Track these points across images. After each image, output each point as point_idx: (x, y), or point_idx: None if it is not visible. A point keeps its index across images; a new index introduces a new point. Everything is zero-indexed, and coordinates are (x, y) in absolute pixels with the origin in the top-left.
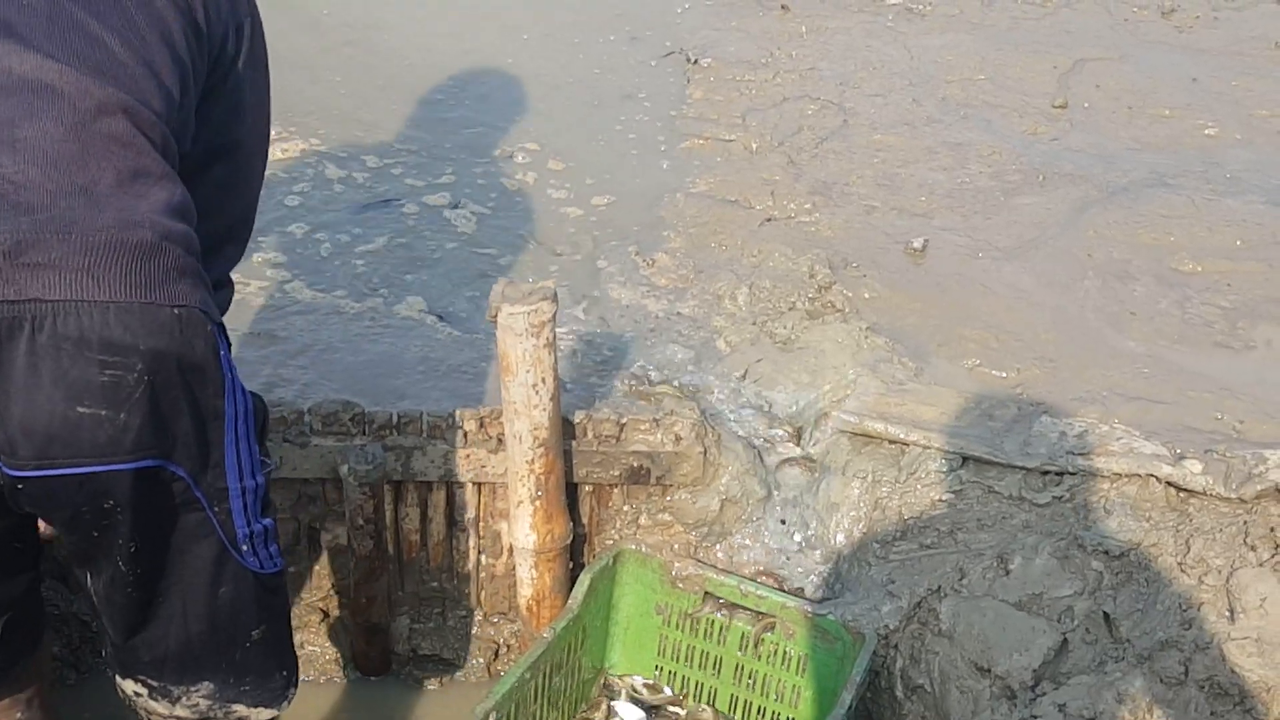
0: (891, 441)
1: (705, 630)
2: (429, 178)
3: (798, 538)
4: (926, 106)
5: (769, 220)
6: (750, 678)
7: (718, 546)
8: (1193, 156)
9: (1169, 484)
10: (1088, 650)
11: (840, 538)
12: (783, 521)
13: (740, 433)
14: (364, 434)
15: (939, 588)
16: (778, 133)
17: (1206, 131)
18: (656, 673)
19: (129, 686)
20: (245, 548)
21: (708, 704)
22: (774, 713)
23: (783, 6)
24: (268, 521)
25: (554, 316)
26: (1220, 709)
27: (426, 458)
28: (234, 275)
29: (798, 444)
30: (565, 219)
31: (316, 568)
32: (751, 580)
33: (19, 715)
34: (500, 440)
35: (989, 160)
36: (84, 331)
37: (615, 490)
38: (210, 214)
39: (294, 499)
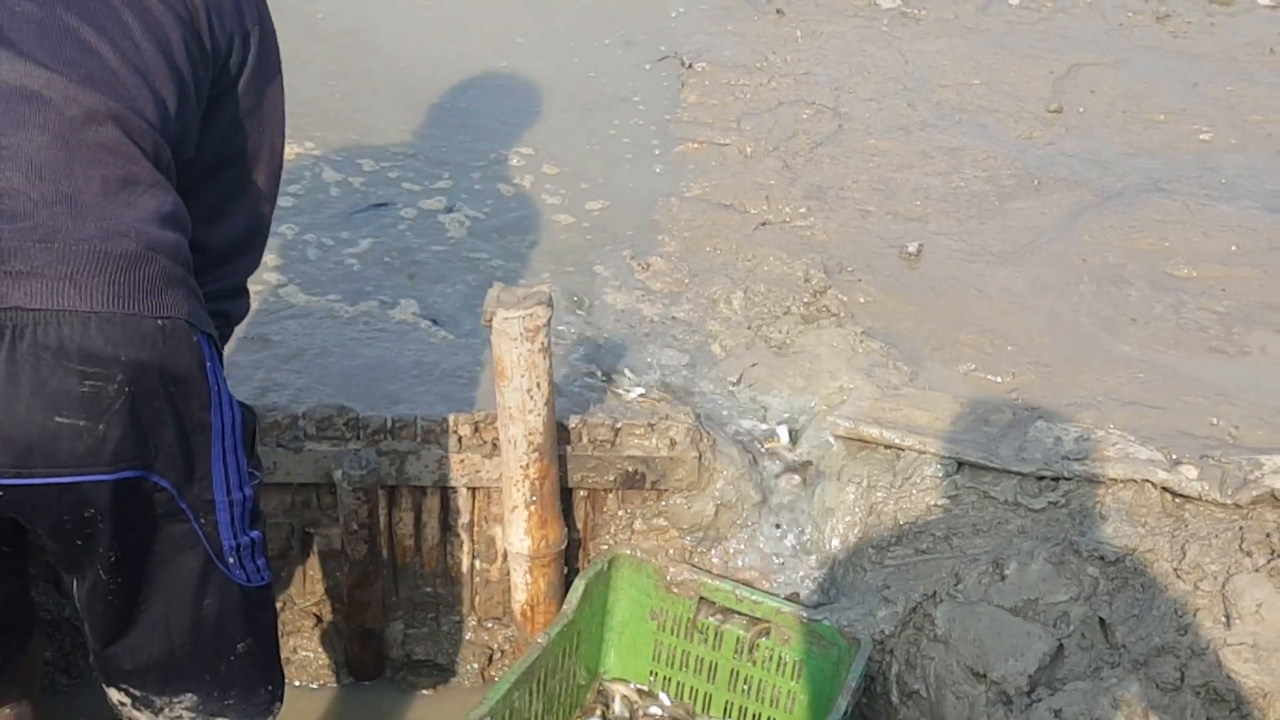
0: (887, 446)
1: (700, 635)
2: (424, 182)
3: (793, 543)
4: (921, 111)
5: (764, 224)
6: (745, 683)
7: (713, 551)
8: (1187, 161)
9: (1164, 489)
10: (1083, 656)
11: (835, 543)
12: (778, 526)
13: (735, 437)
14: (358, 439)
15: (934, 593)
16: (772, 137)
17: (1201, 136)
18: (651, 678)
19: (113, 695)
20: (231, 560)
21: (702, 710)
22: (769, 718)
23: (778, 11)
24: (255, 534)
25: (549, 321)
26: (1216, 715)
27: (421, 462)
28: None
29: (793, 449)
30: (560, 223)
31: (310, 572)
32: (747, 585)
33: (8, 716)
34: (495, 445)
35: (984, 165)
36: (64, 341)
37: (610, 495)
38: (219, 220)
39: (288, 504)
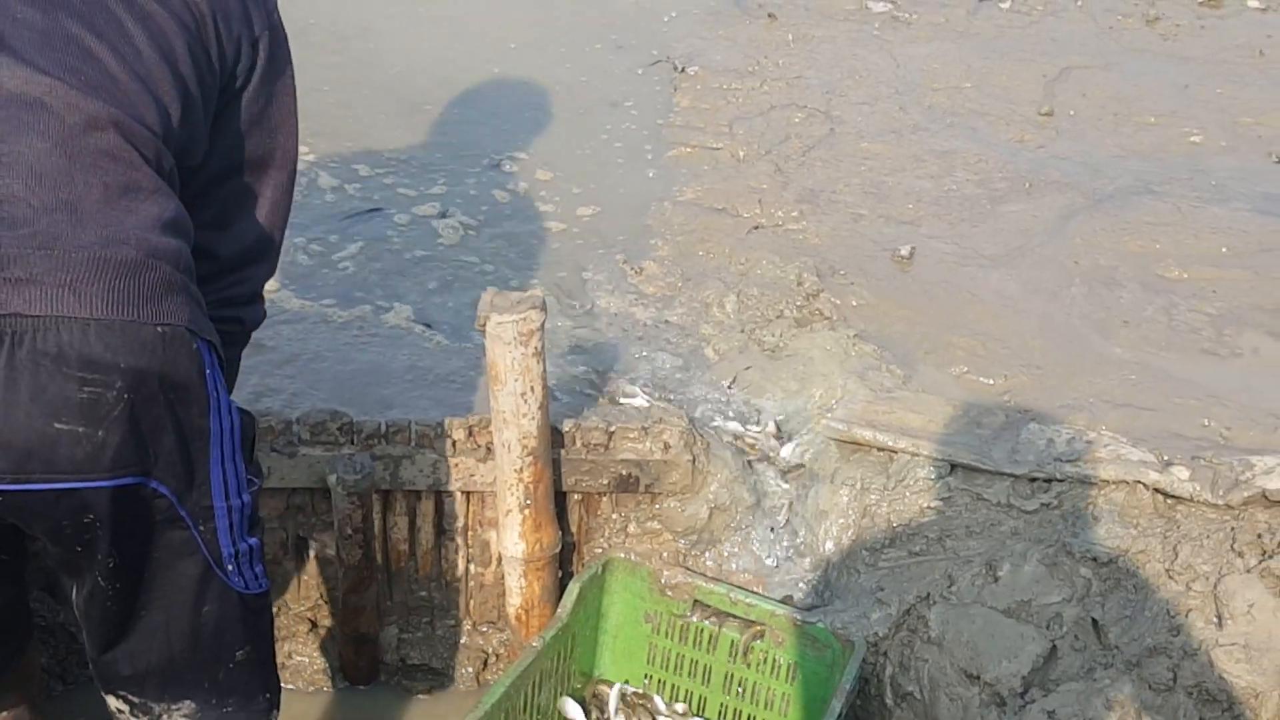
0: (880, 449)
1: (694, 638)
2: (419, 187)
3: (787, 545)
4: (913, 115)
5: (756, 228)
6: (740, 686)
7: (707, 554)
8: (1178, 164)
9: (1156, 490)
10: (1076, 657)
11: (829, 545)
12: (771, 529)
13: (729, 440)
14: (352, 443)
15: (928, 595)
16: (765, 141)
17: (1192, 139)
18: (646, 681)
19: (112, 702)
20: (230, 567)
21: (697, 712)
22: None
23: (769, 15)
24: (254, 541)
25: (542, 325)
26: (1208, 715)
27: (415, 467)
28: None
29: (786, 452)
30: (553, 228)
31: (304, 577)
32: (741, 588)
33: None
34: (489, 449)
35: (975, 168)
36: (63, 348)
37: (604, 499)
38: (230, 227)
39: (282, 509)
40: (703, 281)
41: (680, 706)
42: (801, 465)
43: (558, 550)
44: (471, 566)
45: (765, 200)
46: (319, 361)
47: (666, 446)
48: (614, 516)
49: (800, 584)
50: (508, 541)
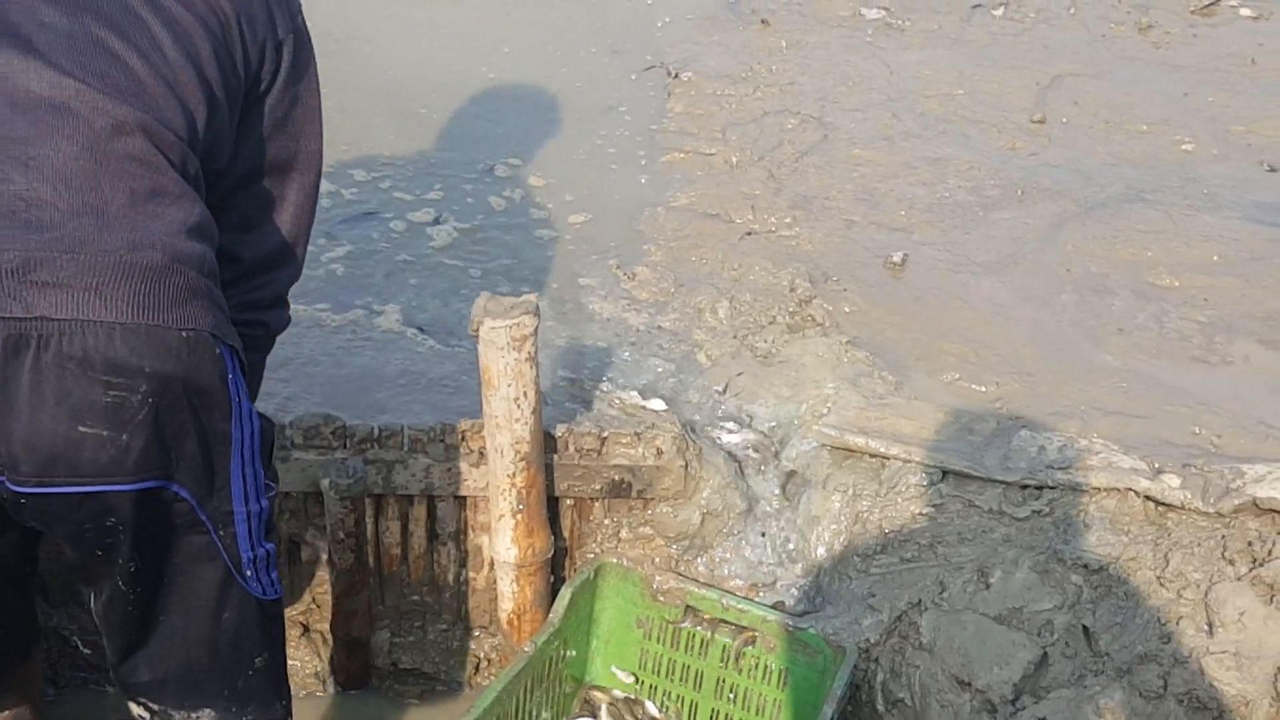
0: (872, 455)
1: (686, 644)
2: (412, 191)
3: (779, 551)
4: (905, 121)
5: (749, 234)
6: (731, 691)
7: (699, 560)
8: (1170, 172)
9: (1147, 498)
10: (1067, 664)
11: (821, 551)
12: (763, 535)
13: (721, 446)
14: (345, 447)
15: (919, 601)
16: (758, 147)
17: (1183, 147)
18: (637, 686)
19: (134, 709)
20: (249, 572)
21: (689, 717)
22: None
23: (763, 21)
24: (270, 546)
25: (536, 331)
26: None
27: (408, 471)
28: None
29: (778, 458)
30: (546, 233)
31: (296, 581)
32: (733, 594)
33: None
34: (481, 454)
35: (968, 175)
36: (88, 352)
37: (596, 504)
38: (254, 230)
39: (274, 512)
40: (696, 287)
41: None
42: (794, 471)
43: (550, 555)
44: (464, 571)
45: (758, 206)
46: (312, 365)
47: (659, 452)
48: (606, 522)
49: (792, 590)
50: (500, 546)
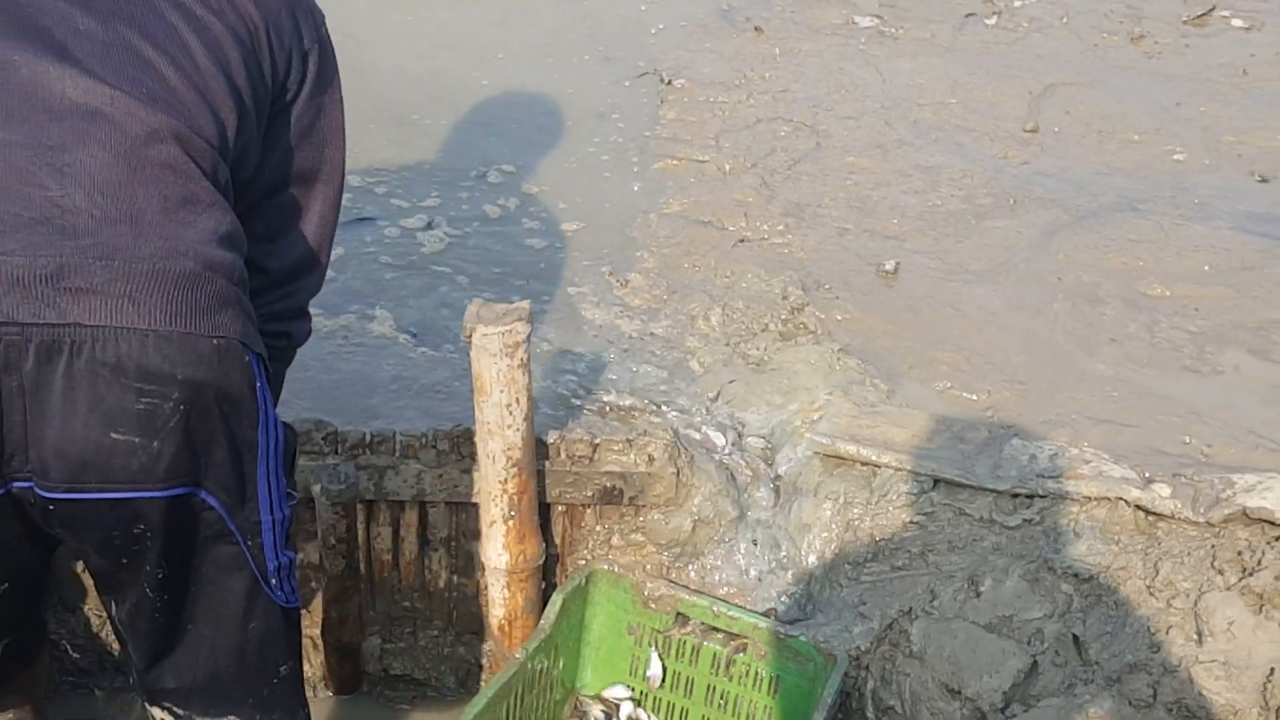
0: (863, 463)
1: (677, 651)
2: (405, 197)
3: (769, 559)
4: (898, 129)
5: (742, 241)
6: (722, 699)
7: (690, 567)
8: (1161, 181)
9: (1138, 507)
10: (1057, 672)
11: (812, 559)
12: (755, 542)
13: (713, 453)
14: (336, 453)
15: (910, 609)
16: (751, 154)
17: (1175, 157)
18: (629, 692)
19: (156, 714)
20: (274, 581)
21: None
22: None
23: (756, 29)
24: (292, 554)
25: (528, 337)
26: None
27: (399, 477)
28: None
29: (770, 465)
30: (539, 239)
31: None
32: (724, 601)
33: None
34: (473, 460)
35: (960, 183)
36: (121, 358)
37: (588, 510)
38: (279, 240)
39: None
40: (688, 294)
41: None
42: (785, 479)
43: (541, 562)
44: (455, 577)
45: (751, 213)
46: (304, 370)
47: (651, 459)
48: (598, 528)
49: (783, 597)
50: (491, 552)
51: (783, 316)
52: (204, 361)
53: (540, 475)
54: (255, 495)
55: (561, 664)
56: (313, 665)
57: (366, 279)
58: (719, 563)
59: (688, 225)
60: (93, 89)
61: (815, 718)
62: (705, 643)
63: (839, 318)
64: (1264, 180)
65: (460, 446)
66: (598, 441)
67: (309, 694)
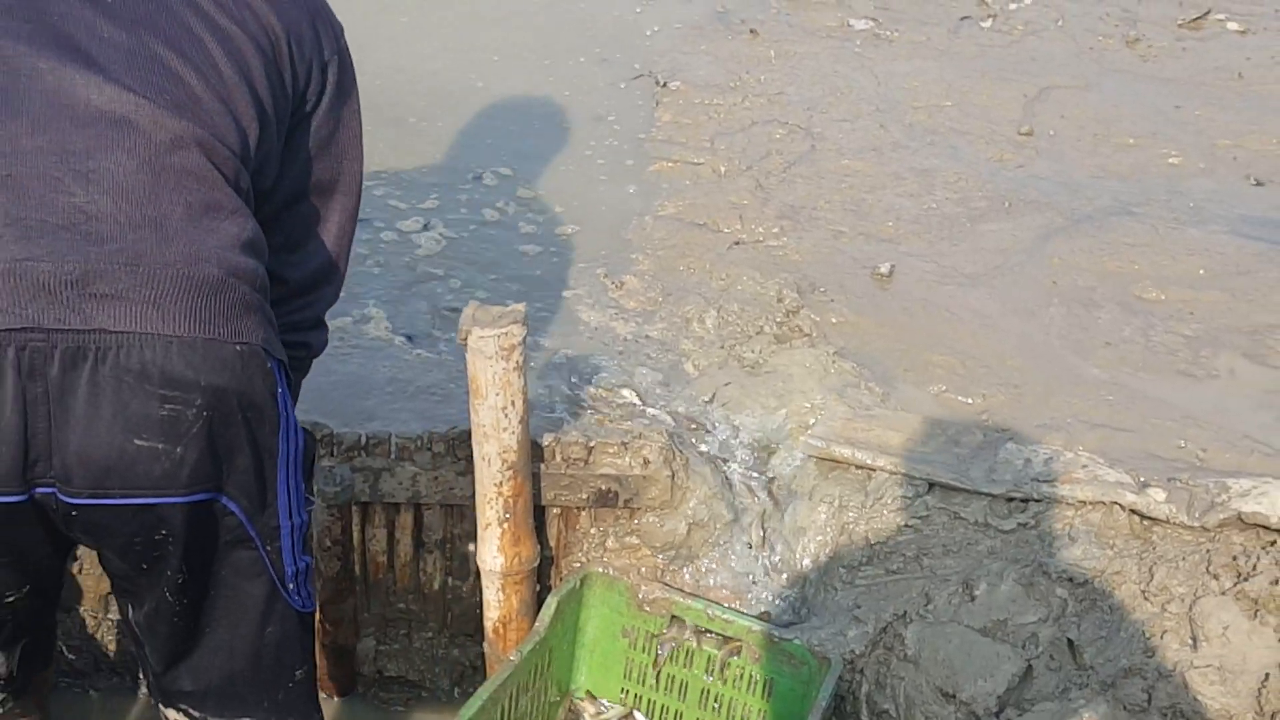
0: (858, 467)
1: (671, 654)
2: (401, 200)
3: (764, 562)
4: (893, 132)
5: (737, 244)
6: (716, 702)
7: (685, 570)
8: (1156, 185)
9: (1133, 512)
10: (1052, 677)
11: (807, 562)
12: (749, 545)
13: (708, 456)
14: (332, 455)
15: (905, 613)
16: (746, 156)
17: (1170, 160)
18: (622, 696)
19: (171, 715)
20: (291, 586)
21: None
22: None
23: (751, 31)
24: (309, 559)
25: (524, 340)
26: None
27: (394, 479)
28: None
29: (765, 468)
30: (534, 241)
31: None
32: (718, 604)
33: None
34: (468, 462)
35: (955, 186)
36: (146, 365)
37: (583, 513)
38: (298, 250)
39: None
40: (683, 297)
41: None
42: (780, 482)
43: (536, 564)
44: (449, 579)
45: (746, 216)
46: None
47: (646, 462)
48: (593, 531)
49: (777, 600)
50: (486, 555)
51: (778, 319)
52: (227, 368)
53: (535, 478)
54: (275, 501)
55: (556, 667)
56: None
57: (362, 281)
58: (714, 566)
59: (683, 228)
60: (118, 96)
61: None
62: (699, 646)
63: (834, 320)
64: (1259, 184)
65: (456, 449)
66: (593, 444)
67: None
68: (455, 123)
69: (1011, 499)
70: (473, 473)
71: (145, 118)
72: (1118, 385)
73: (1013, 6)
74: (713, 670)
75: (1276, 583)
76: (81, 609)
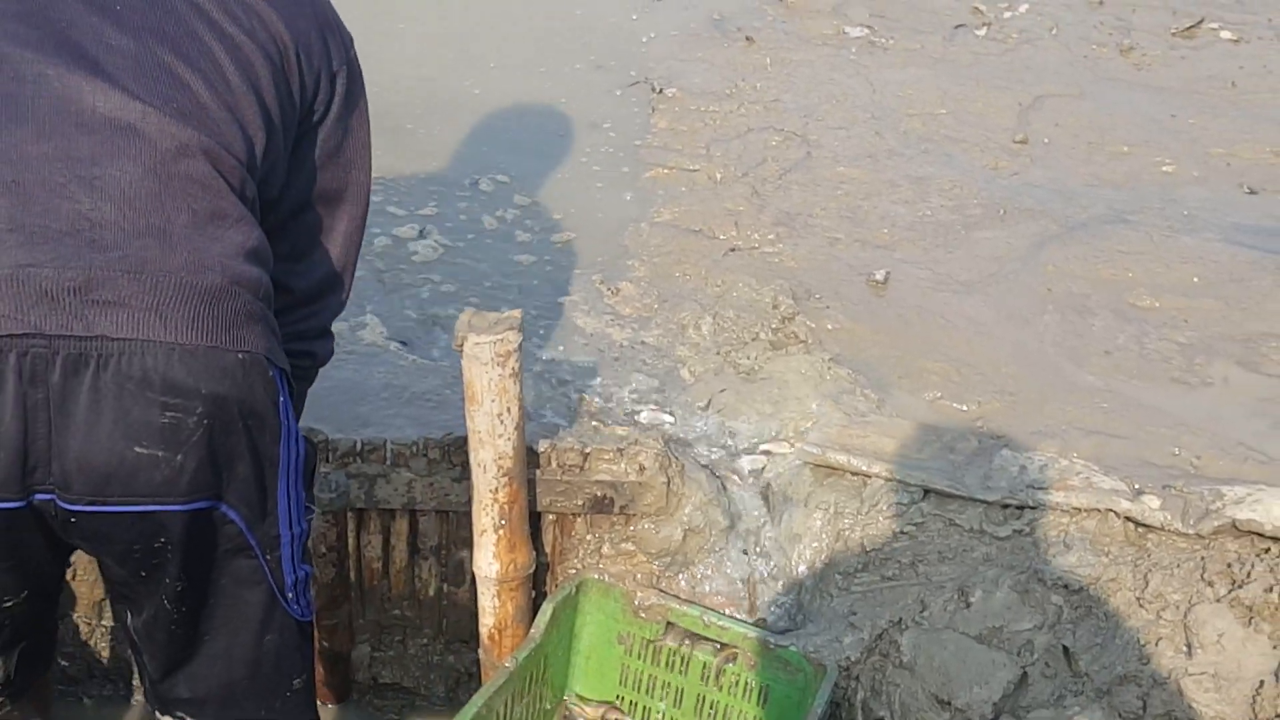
0: (854, 473)
1: (667, 660)
2: (398, 206)
3: (760, 568)
4: (889, 140)
5: (733, 250)
6: (712, 709)
7: (680, 576)
8: (1151, 193)
9: (1128, 519)
10: (1047, 684)
11: (802, 569)
12: (745, 552)
13: (703, 463)
14: (327, 461)
15: (900, 620)
16: (742, 163)
17: (1164, 169)
18: (618, 702)
19: None
20: (291, 595)
21: None
22: None
23: (747, 38)
24: (308, 568)
25: (520, 346)
26: None
27: (390, 485)
28: None
29: (760, 475)
30: (530, 247)
31: None
32: (714, 610)
33: None
34: (464, 469)
35: (950, 194)
36: (147, 372)
37: (578, 519)
38: (304, 259)
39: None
40: (679, 303)
41: None
42: (776, 488)
43: (532, 570)
44: (445, 586)
45: (742, 223)
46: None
47: (641, 468)
48: (588, 537)
49: (773, 607)
50: (482, 561)
51: (773, 326)
52: (228, 376)
53: (531, 484)
54: (275, 510)
55: (551, 673)
56: None
57: (358, 287)
58: (709, 572)
59: (679, 234)
60: (124, 104)
61: None
62: (695, 652)
63: (829, 327)
64: (1253, 192)
65: (451, 455)
66: (588, 451)
67: None
68: (452, 129)
69: (1007, 506)
70: (468, 479)
71: (151, 125)
72: (1112, 392)
73: (1007, 15)
74: (708, 677)
75: (1271, 590)
76: (75, 615)
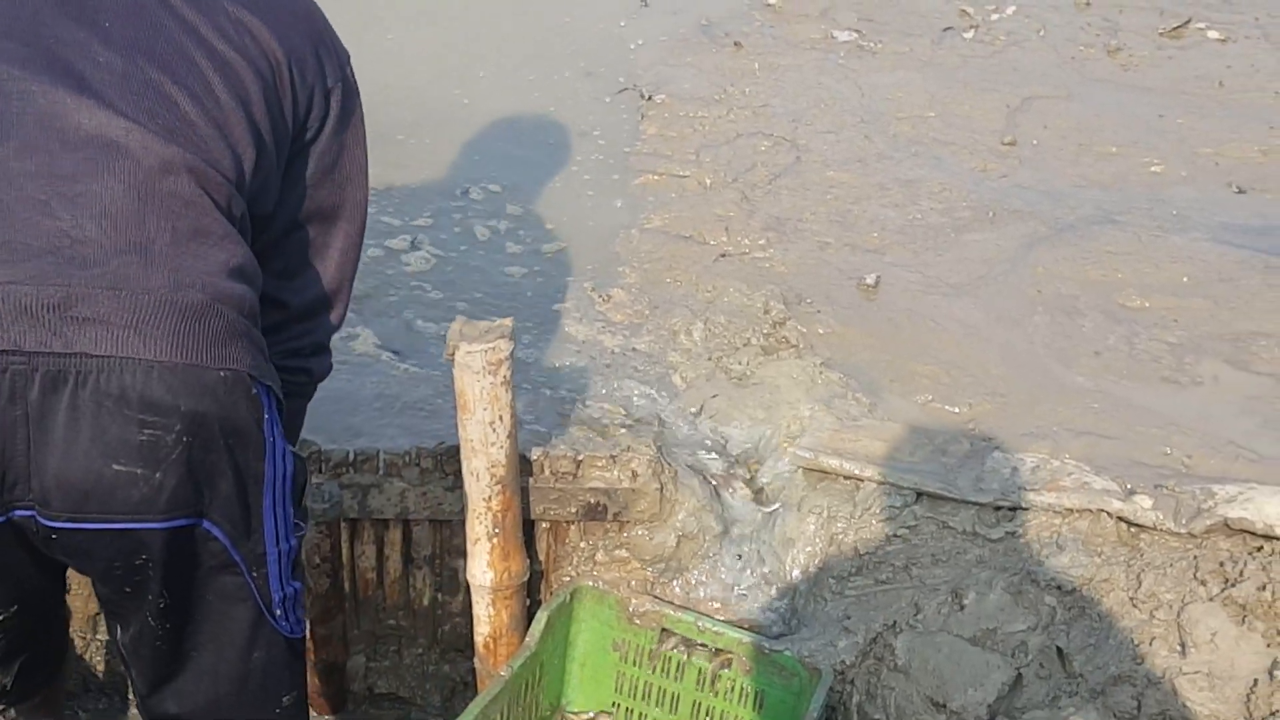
0: (846, 477)
1: (662, 667)
2: (389, 216)
3: (754, 573)
4: (878, 143)
5: (723, 256)
6: (707, 714)
7: (675, 582)
8: (1139, 194)
9: (1120, 519)
10: (1041, 685)
11: (796, 573)
12: (739, 557)
13: (696, 469)
14: (320, 472)
15: (894, 623)
16: (731, 169)
17: (1152, 169)
18: (614, 710)
19: None
20: (279, 611)
21: None
22: None
23: (736, 44)
24: (298, 584)
25: (511, 354)
26: None
27: (383, 495)
28: None
29: (753, 480)
30: (522, 257)
31: None
32: (708, 616)
33: None
34: (457, 478)
35: (940, 197)
36: (125, 390)
37: (572, 527)
38: (299, 276)
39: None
40: (670, 309)
41: None
42: (769, 493)
43: (526, 578)
44: (439, 595)
45: (732, 228)
46: None
47: (634, 475)
48: (582, 545)
49: (768, 612)
50: (476, 570)
51: (764, 331)
52: (209, 393)
53: (524, 492)
54: (261, 527)
55: (546, 681)
56: None
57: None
58: (703, 578)
59: (669, 240)
60: (108, 120)
61: None
62: (690, 658)
63: (820, 331)
64: (1241, 191)
65: (444, 464)
66: (581, 458)
67: None
68: (442, 139)
69: (999, 508)
70: (461, 488)
71: (135, 142)
72: (1102, 393)
73: (995, 17)
74: (703, 683)
75: (1263, 588)
76: (70, 630)
